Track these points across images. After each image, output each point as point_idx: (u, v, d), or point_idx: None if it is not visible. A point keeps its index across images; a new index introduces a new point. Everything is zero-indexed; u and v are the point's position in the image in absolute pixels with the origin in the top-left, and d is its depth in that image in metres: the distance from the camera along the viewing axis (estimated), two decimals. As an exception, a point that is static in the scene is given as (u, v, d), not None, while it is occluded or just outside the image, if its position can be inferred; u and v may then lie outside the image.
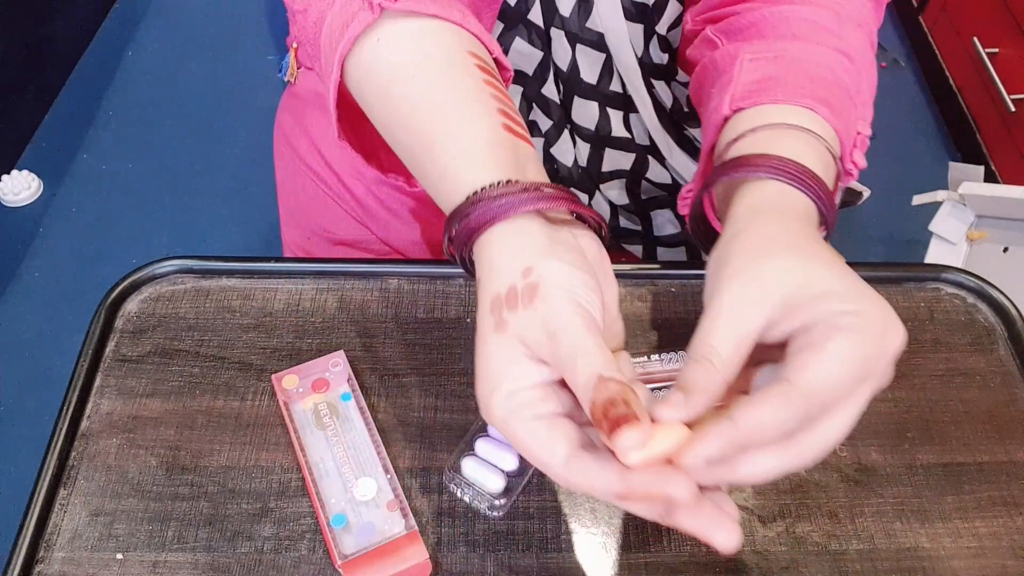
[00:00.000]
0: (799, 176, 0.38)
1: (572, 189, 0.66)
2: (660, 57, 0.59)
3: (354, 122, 0.48)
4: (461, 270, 0.40)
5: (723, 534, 0.31)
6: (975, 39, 1.62)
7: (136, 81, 1.87)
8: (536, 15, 0.56)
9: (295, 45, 0.70)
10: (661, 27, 0.57)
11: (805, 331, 0.33)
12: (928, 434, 0.51)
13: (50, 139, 1.75)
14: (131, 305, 0.56)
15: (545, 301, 0.33)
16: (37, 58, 1.75)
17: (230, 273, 0.57)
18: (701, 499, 0.31)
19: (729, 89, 0.44)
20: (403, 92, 0.40)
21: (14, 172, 1.64)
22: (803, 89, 0.42)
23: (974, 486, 0.49)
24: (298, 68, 0.70)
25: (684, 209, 0.48)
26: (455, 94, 0.39)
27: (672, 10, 0.57)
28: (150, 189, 1.66)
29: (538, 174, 0.39)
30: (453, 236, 0.37)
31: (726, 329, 0.33)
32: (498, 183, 0.36)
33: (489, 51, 0.43)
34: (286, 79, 0.72)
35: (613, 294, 0.38)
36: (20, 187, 1.62)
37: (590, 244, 0.38)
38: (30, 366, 1.40)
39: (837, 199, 0.43)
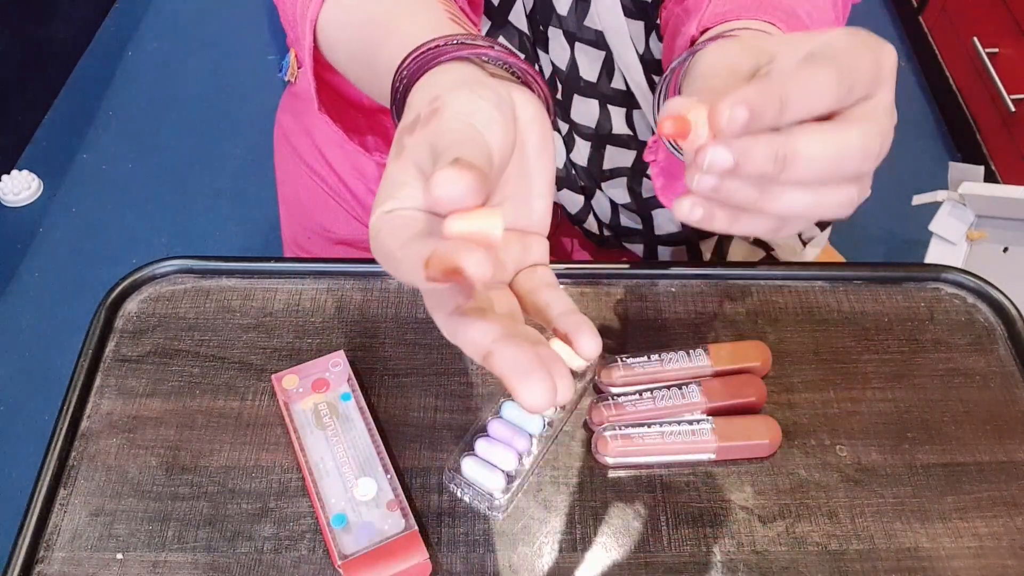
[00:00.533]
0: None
1: (567, 191, 0.66)
2: (661, 52, 0.59)
3: (337, 106, 0.48)
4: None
5: (528, 387, 0.28)
6: (975, 39, 1.62)
7: (136, 81, 1.87)
8: (519, 18, 0.56)
9: (295, 45, 0.70)
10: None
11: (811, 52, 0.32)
12: (928, 434, 0.51)
13: (50, 139, 1.75)
14: (131, 305, 0.56)
15: (440, 121, 0.31)
16: (37, 58, 1.75)
17: (230, 273, 0.57)
18: (523, 342, 0.29)
19: (697, 16, 0.45)
20: (361, 18, 0.41)
21: (14, 172, 1.64)
22: (766, 13, 0.44)
23: (974, 486, 0.49)
24: (298, 68, 0.70)
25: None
26: (406, 3, 0.40)
27: None
28: (150, 189, 1.66)
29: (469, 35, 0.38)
30: (395, 105, 0.37)
31: (718, 64, 0.34)
32: (436, 39, 0.35)
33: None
34: (286, 79, 0.72)
35: (547, 168, 0.35)
36: (20, 187, 1.62)
37: (526, 104, 0.35)
38: (30, 366, 1.40)
39: None
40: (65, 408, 0.50)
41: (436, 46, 0.35)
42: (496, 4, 0.56)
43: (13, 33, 1.65)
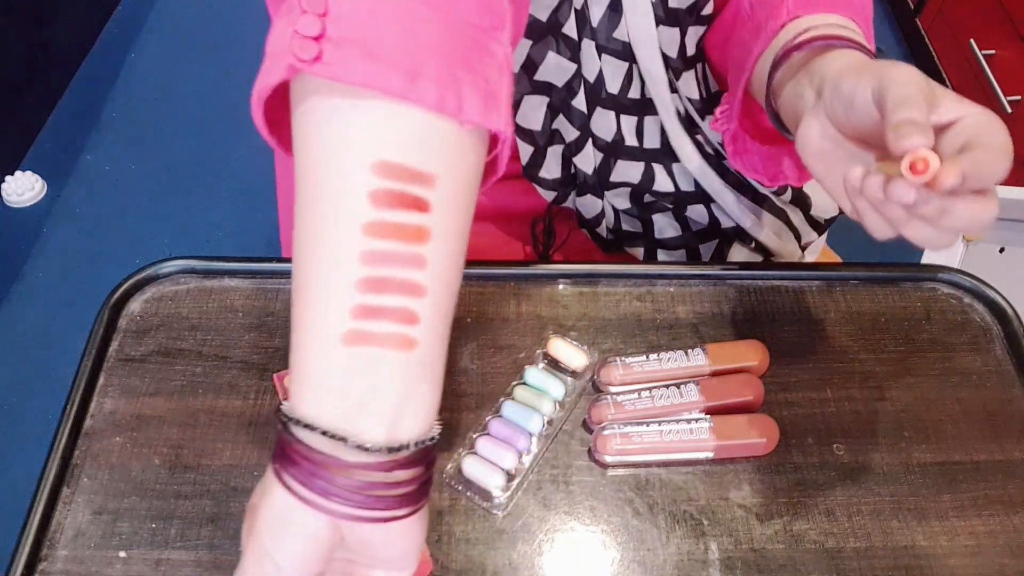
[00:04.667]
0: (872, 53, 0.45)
1: (590, 196, 0.65)
2: (692, 49, 0.59)
3: None
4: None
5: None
6: (972, 41, 1.62)
7: (139, 83, 1.88)
8: (571, 28, 0.56)
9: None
10: (695, 29, 0.58)
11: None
12: (925, 433, 0.51)
13: (54, 140, 1.75)
14: (134, 305, 0.56)
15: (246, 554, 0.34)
16: (41, 60, 1.76)
17: (232, 273, 0.57)
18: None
19: (785, 3, 0.49)
20: (294, 213, 0.34)
21: (18, 173, 1.64)
22: (842, 8, 0.48)
23: (970, 485, 0.49)
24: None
25: (726, 112, 0.54)
26: (314, 262, 0.33)
27: (707, 10, 0.57)
28: (153, 190, 1.67)
29: (370, 388, 0.33)
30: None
31: (903, 92, 0.38)
32: (306, 440, 0.32)
33: (460, 121, 0.32)
34: (288, 81, 0.72)
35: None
36: (24, 188, 1.63)
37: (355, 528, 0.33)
38: (34, 366, 1.41)
39: None
40: (69, 407, 0.50)
41: (282, 444, 0.33)
42: (544, 21, 0.56)
43: (17, 35, 1.66)
